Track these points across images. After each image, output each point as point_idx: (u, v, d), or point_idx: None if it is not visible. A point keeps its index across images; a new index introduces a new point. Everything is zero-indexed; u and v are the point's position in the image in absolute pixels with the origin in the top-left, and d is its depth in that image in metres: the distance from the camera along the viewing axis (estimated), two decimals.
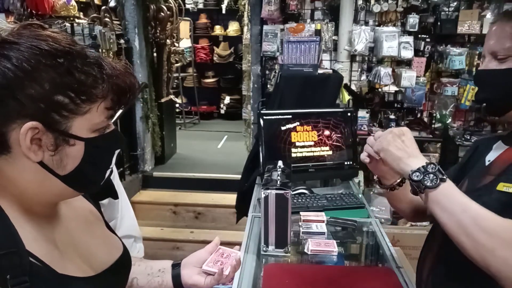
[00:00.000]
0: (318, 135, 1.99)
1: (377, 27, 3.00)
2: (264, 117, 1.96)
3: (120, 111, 0.80)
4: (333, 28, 3.07)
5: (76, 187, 0.72)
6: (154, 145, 4.37)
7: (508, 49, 0.98)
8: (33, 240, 0.68)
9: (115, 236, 0.91)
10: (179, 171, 4.39)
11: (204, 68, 7.25)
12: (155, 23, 4.38)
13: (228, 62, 7.06)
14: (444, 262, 1.07)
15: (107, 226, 0.91)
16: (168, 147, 4.71)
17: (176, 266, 0.99)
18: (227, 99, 7.13)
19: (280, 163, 1.46)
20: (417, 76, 2.98)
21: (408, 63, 3.09)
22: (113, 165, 0.76)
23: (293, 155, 1.97)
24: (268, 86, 3.33)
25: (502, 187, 0.94)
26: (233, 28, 6.97)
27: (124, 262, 0.87)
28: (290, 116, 1.98)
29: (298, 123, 1.97)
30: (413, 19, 2.99)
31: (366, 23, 3.07)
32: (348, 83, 3.08)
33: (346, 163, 2.02)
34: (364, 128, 3.08)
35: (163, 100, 4.54)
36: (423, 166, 0.93)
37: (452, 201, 0.88)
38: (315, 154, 1.99)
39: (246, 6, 4.12)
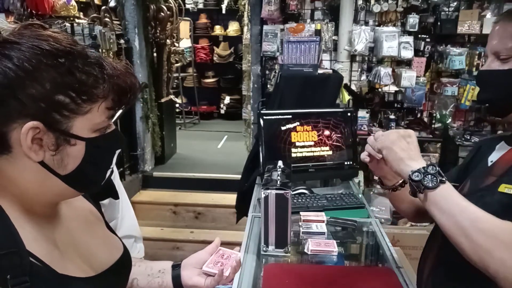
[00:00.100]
0: (318, 135, 1.99)
1: (377, 27, 3.00)
2: (264, 117, 1.96)
3: (120, 111, 0.80)
4: (333, 28, 3.07)
5: (77, 187, 0.72)
6: (154, 145, 4.37)
7: (511, 49, 0.97)
8: (33, 240, 0.68)
9: (115, 237, 0.91)
10: (179, 171, 4.39)
11: (204, 68, 7.25)
12: (155, 23, 4.38)
13: (228, 62, 7.07)
14: (444, 263, 1.07)
15: (107, 226, 0.91)
16: (168, 147, 4.71)
17: (176, 267, 0.99)
18: (227, 99, 7.13)
19: (280, 163, 1.46)
20: (417, 76, 2.98)
21: (408, 63, 3.10)
22: (113, 165, 0.76)
23: (293, 155, 1.97)
24: (268, 86, 3.33)
25: (504, 188, 0.94)
26: (233, 28, 6.97)
27: (124, 262, 0.87)
28: (290, 116, 1.98)
29: (298, 123, 1.97)
30: (413, 19, 2.99)
31: (366, 23, 3.08)
32: (348, 83, 3.08)
33: (346, 163, 2.02)
34: (364, 128, 3.08)
35: (163, 100, 4.54)
36: (423, 167, 0.93)
37: (450, 203, 0.89)
38: (315, 154, 1.99)
39: (246, 6, 4.12)
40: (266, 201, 1.31)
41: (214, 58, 7.15)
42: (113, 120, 0.74)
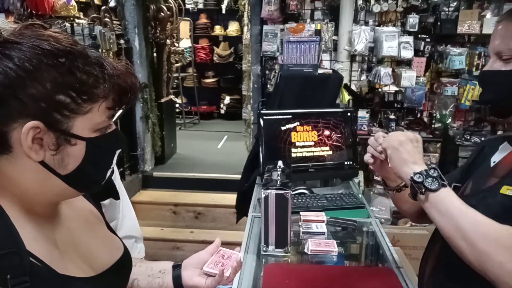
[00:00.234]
0: (318, 135, 1.99)
1: (377, 27, 3.00)
2: (264, 117, 1.96)
3: (120, 111, 0.80)
4: (333, 28, 3.07)
5: (77, 187, 0.72)
6: (154, 145, 4.37)
7: None
8: (34, 240, 0.68)
9: (115, 237, 0.91)
10: (179, 171, 4.39)
11: (204, 68, 7.25)
12: (155, 23, 4.38)
13: (228, 62, 7.07)
14: (445, 264, 1.07)
15: (107, 226, 0.91)
16: (168, 147, 4.71)
17: (176, 267, 0.98)
18: (227, 99, 7.13)
19: (280, 163, 1.46)
20: (417, 76, 2.98)
21: (408, 63, 3.10)
22: (114, 165, 0.76)
23: (293, 155, 1.97)
24: (268, 86, 3.33)
25: (506, 190, 0.93)
26: (233, 28, 6.97)
27: (124, 262, 0.87)
28: (290, 116, 1.98)
29: (298, 123, 1.98)
30: (413, 19, 2.99)
31: (366, 23, 3.08)
32: (348, 83, 3.08)
33: (346, 163, 2.02)
34: (364, 128, 3.08)
35: (163, 100, 4.54)
36: (425, 170, 0.94)
37: (451, 206, 0.89)
38: (315, 154, 1.99)
39: (246, 6, 4.12)
40: (266, 201, 1.31)
41: (214, 58, 7.15)
42: (113, 120, 0.74)
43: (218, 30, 7.13)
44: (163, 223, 3.81)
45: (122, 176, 3.80)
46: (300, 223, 1.51)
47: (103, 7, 3.81)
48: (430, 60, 3.16)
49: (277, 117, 1.98)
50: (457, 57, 2.95)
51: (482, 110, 3.15)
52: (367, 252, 1.56)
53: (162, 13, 4.39)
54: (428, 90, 3.21)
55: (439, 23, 3.05)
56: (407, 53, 2.94)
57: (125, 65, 0.72)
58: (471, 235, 0.84)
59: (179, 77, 6.57)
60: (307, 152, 1.98)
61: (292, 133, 1.97)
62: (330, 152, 2.01)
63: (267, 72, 3.39)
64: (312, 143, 1.99)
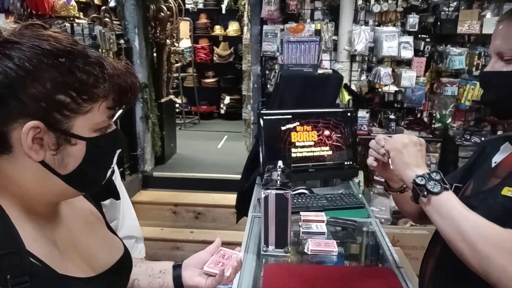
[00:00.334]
0: (318, 135, 1.99)
1: (377, 27, 3.00)
2: (264, 117, 1.96)
3: (120, 111, 0.80)
4: (333, 28, 3.07)
5: (78, 186, 0.72)
6: (154, 145, 4.37)
7: None
8: (34, 240, 0.68)
9: (116, 237, 0.91)
10: (179, 171, 4.39)
11: (204, 68, 7.25)
12: (155, 23, 4.38)
13: (228, 62, 7.07)
14: (445, 266, 1.07)
15: (108, 227, 0.91)
16: (168, 147, 4.71)
17: (177, 267, 0.98)
18: (227, 99, 7.13)
19: (280, 163, 1.46)
20: (417, 76, 2.98)
21: (408, 63, 3.10)
22: (114, 165, 0.76)
23: (293, 155, 1.97)
24: (268, 86, 3.33)
25: (507, 191, 0.93)
26: (233, 28, 6.97)
27: (125, 263, 0.87)
28: (290, 116, 1.98)
29: (298, 123, 1.98)
30: (413, 19, 3.00)
31: (366, 23, 3.08)
32: (348, 83, 3.08)
33: (346, 163, 2.02)
34: (364, 128, 3.08)
35: (163, 100, 4.54)
36: (428, 173, 0.94)
37: (452, 209, 0.89)
38: (315, 154, 1.99)
39: (246, 6, 4.12)
40: (266, 201, 1.31)
41: (214, 58, 7.15)
42: (113, 120, 0.74)
43: (218, 30, 7.13)
44: (163, 223, 3.81)
45: (122, 176, 3.80)
46: (300, 223, 1.51)
47: (103, 7, 3.81)
48: (430, 60, 3.16)
49: (277, 117, 1.98)
50: (457, 57, 2.95)
51: (482, 110, 3.15)
52: (367, 252, 1.56)
53: (162, 13, 4.39)
54: (428, 90, 3.21)
55: (439, 23, 3.05)
56: (407, 53, 2.94)
57: (125, 65, 0.72)
58: (472, 238, 0.84)
59: (179, 77, 6.57)
60: (307, 152, 1.98)
61: (292, 133, 1.97)
62: (330, 152, 2.01)
63: (267, 72, 3.39)
64: (312, 143, 1.99)
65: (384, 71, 2.95)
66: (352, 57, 3.09)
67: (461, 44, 3.08)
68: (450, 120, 3.16)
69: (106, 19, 3.74)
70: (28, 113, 0.63)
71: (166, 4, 4.50)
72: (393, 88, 3.16)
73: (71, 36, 0.69)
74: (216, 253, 0.99)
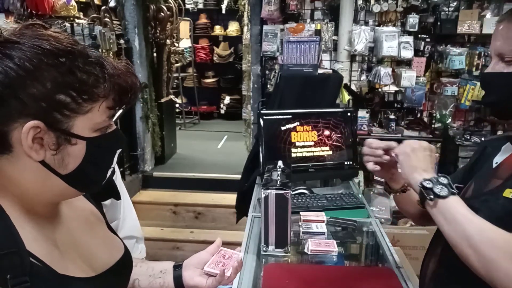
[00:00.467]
0: (318, 135, 1.99)
1: (377, 27, 3.00)
2: (264, 117, 1.96)
3: (120, 111, 0.80)
4: (333, 28, 3.07)
5: (78, 186, 0.72)
6: (154, 145, 4.37)
7: None
8: (34, 240, 0.68)
9: (116, 237, 0.91)
10: (179, 171, 4.39)
11: (204, 68, 7.25)
12: (155, 23, 4.38)
13: (228, 62, 7.07)
14: (446, 267, 1.07)
15: (108, 227, 0.91)
16: (168, 147, 4.71)
17: (177, 267, 0.98)
18: (227, 99, 7.13)
19: (280, 163, 1.46)
20: (417, 76, 2.98)
21: (408, 63, 3.10)
22: (114, 165, 0.76)
23: (293, 155, 1.97)
24: (268, 86, 3.33)
25: (508, 193, 0.93)
26: (233, 28, 6.97)
27: (125, 263, 0.87)
28: (290, 116, 1.98)
29: (298, 123, 1.98)
30: (413, 19, 3.00)
31: (366, 23, 3.08)
32: (348, 83, 3.08)
33: (346, 163, 2.02)
34: (364, 128, 3.08)
35: (163, 100, 4.54)
36: (435, 177, 0.94)
37: (457, 213, 0.89)
38: (315, 154, 1.99)
39: (246, 6, 4.12)
40: (266, 201, 1.31)
41: (214, 58, 7.15)
42: (113, 120, 0.74)
43: (218, 30, 7.13)
44: (163, 223, 3.81)
45: (122, 176, 3.80)
46: (300, 223, 1.51)
47: (103, 7, 3.81)
48: (430, 60, 3.16)
49: (277, 117, 1.98)
50: (457, 57, 2.95)
51: (482, 110, 3.15)
52: (367, 252, 1.56)
53: (162, 13, 4.39)
54: (428, 90, 3.21)
55: (439, 23, 3.05)
56: (407, 53, 2.94)
57: (125, 65, 0.72)
58: (477, 242, 0.84)
59: (179, 77, 6.57)
60: (307, 152, 1.98)
61: (292, 133, 1.97)
62: (330, 152, 2.01)
63: (267, 72, 3.39)
64: (312, 143, 1.99)
65: (384, 71, 2.95)
66: (352, 57, 3.09)
67: (461, 44, 3.08)
68: (450, 120, 3.16)
69: (106, 19, 3.74)
70: (28, 113, 0.63)
71: (166, 4, 4.50)
72: (393, 88, 3.16)
73: (71, 36, 0.69)
74: (217, 253, 0.99)
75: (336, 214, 1.63)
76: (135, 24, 3.89)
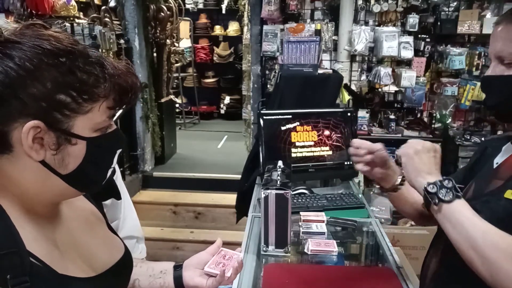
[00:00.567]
0: (318, 135, 1.99)
1: (377, 27, 3.01)
2: (264, 117, 1.96)
3: (121, 111, 0.80)
4: (333, 28, 3.07)
5: (78, 186, 0.72)
6: (154, 145, 4.37)
7: None
8: (34, 240, 0.68)
9: (116, 237, 0.91)
10: (179, 171, 4.39)
11: (204, 68, 7.25)
12: (155, 23, 4.38)
13: (228, 62, 7.06)
14: (447, 266, 1.06)
15: (108, 227, 0.91)
16: (168, 147, 4.71)
17: (177, 268, 0.98)
18: (227, 99, 7.13)
19: (280, 163, 1.46)
20: (417, 76, 2.98)
21: (408, 63, 3.10)
22: (114, 165, 0.76)
23: (293, 155, 1.97)
24: (268, 86, 3.33)
25: (510, 194, 0.92)
26: (233, 28, 6.97)
27: (125, 263, 0.87)
28: (290, 116, 1.98)
29: (298, 123, 1.98)
30: (413, 19, 3.00)
31: (366, 23, 3.08)
32: (348, 83, 3.08)
33: (346, 163, 2.02)
34: (364, 128, 3.09)
35: (163, 100, 4.54)
36: (439, 181, 0.92)
37: (462, 217, 0.88)
38: (315, 154, 1.99)
39: (246, 6, 4.12)
40: (266, 201, 1.31)
41: (214, 58, 7.15)
42: (113, 120, 0.74)
43: (218, 30, 7.13)
44: (163, 223, 3.81)
45: (122, 176, 3.78)
46: (300, 223, 1.51)
47: (103, 7, 3.81)
48: (430, 60, 3.16)
49: (277, 117, 1.98)
50: (457, 57, 2.95)
51: (482, 110, 3.15)
52: (367, 252, 1.56)
53: (162, 13, 4.39)
54: (428, 90, 3.21)
55: (439, 23, 3.05)
56: (407, 53, 2.94)
57: (125, 65, 0.72)
58: (480, 245, 0.83)
59: (179, 77, 6.56)
60: (307, 152, 1.98)
61: (292, 133, 1.97)
62: (330, 152, 2.01)
63: (267, 72, 3.39)
64: (312, 143, 1.99)
65: (384, 71, 2.96)
66: (352, 57, 3.09)
67: (461, 44, 3.08)
68: (450, 120, 3.16)
69: (106, 19, 3.74)
70: (29, 113, 0.63)
71: (166, 4, 4.50)
72: (393, 88, 3.16)
73: (71, 36, 0.69)
74: (217, 254, 0.99)
75: (336, 214, 1.63)
76: (135, 24, 3.89)
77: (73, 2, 3.58)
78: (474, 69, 2.95)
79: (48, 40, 0.64)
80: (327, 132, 2.00)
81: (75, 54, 0.65)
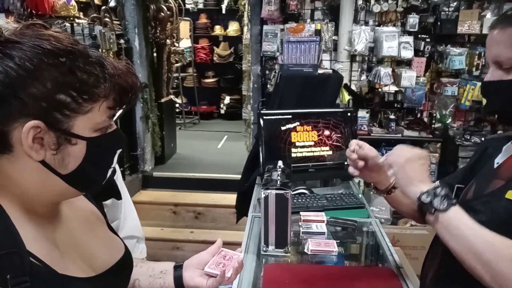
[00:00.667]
0: (318, 135, 1.99)
1: (377, 27, 3.01)
2: (264, 117, 1.96)
3: (121, 111, 0.80)
4: (333, 28, 3.07)
5: (78, 186, 0.72)
6: (154, 145, 4.37)
7: None
8: (34, 240, 0.68)
9: (116, 237, 0.91)
10: (179, 171, 4.39)
11: (204, 68, 7.25)
12: (155, 23, 4.38)
13: (228, 62, 7.06)
14: (447, 267, 1.06)
15: (109, 227, 0.91)
16: (168, 147, 4.71)
17: (178, 268, 0.98)
18: (227, 99, 7.13)
19: (280, 163, 1.46)
20: (417, 76, 2.98)
21: (408, 63, 3.10)
22: (115, 165, 0.76)
23: (293, 155, 1.97)
24: (268, 86, 3.33)
25: (511, 195, 0.91)
26: (233, 28, 6.97)
27: (125, 263, 0.87)
28: (290, 116, 1.98)
29: (298, 123, 1.98)
30: (413, 19, 3.00)
31: (366, 23, 3.08)
32: (348, 83, 3.08)
33: (346, 163, 1.99)
34: (364, 128, 3.09)
35: (163, 100, 4.54)
36: (433, 189, 0.91)
37: (462, 225, 0.87)
38: (315, 154, 1.99)
39: (246, 6, 4.12)
40: (266, 201, 1.31)
41: (214, 58, 7.15)
42: (113, 120, 0.74)
43: (218, 30, 7.12)
44: (163, 223, 3.81)
45: (122, 176, 3.79)
46: (300, 223, 1.51)
47: (103, 7, 3.81)
48: (430, 60, 3.16)
49: (277, 117, 1.98)
50: (457, 57, 2.95)
51: (482, 110, 3.15)
52: (367, 252, 1.56)
53: (162, 13, 4.39)
54: (428, 90, 3.21)
55: (439, 23, 3.05)
56: (407, 53, 2.94)
57: (126, 65, 0.72)
58: (488, 258, 0.82)
59: (179, 77, 6.56)
60: (307, 152, 1.98)
61: (292, 133, 1.97)
62: (330, 152, 2.01)
63: (267, 72, 3.39)
64: (312, 143, 1.99)
65: (384, 71, 2.96)
66: (352, 57, 3.09)
67: (461, 44, 3.08)
68: (450, 120, 3.16)
69: (106, 19, 3.74)
70: (29, 113, 0.63)
71: (166, 4, 4.50)
72: (393, 88, 3.17)
73: (72, 36, 0.69)
74: (217, 254, 0.99)
75: (336, 214, 1.63)
76: (135, 24, 3.89)
77: (73, 2, 3.58)
78: (474, 69, 2.95)
79: (48, 40, 0.64)
80: (327, 132, 2.00)
81: (75, 54, 0.65)
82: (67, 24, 3.11)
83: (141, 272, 0.97)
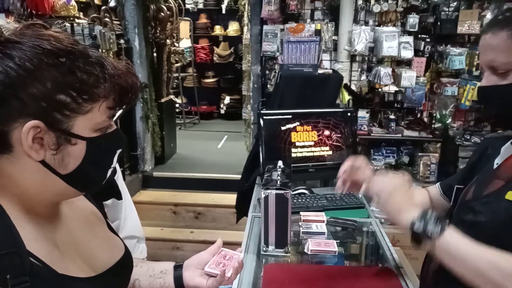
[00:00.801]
0: (318, 135, 1.99)
1: (377, 27, 3.01)
2: (264, 117, 1.96)
3: (121, 111, 0.80)
4: (333, 28, 3.07)
5: (78, 186, 0.72)
6: (154, 145, 4.37)
7: (508, 64, 0.91)
8: (34, 240, 0.68)
9: (116, 237, 0.91)
10: (179, 171, 4.39)
11: (204, 68, 7.25)
12: (155, 23, 4.38)
13: (228, 62, 7.06)
14: (446, 269, 1.06)
15: (109, 227, 0.91)
16: (168, 147, 4.71)
17: (178, 268, 0.98)
18: (227, 99, 7.13)
19: (280, 163, 1.46)
20: (417, 76, 2.99)
21: (408, 63, 3.10)
22: (115, 165, 0.76)
23: (293, 155, 1.97)
24: (268, 86, 3.34)
25: (511, 196, 0.91)
26: (233, 28, 6.97)
27: (125, 263, 0.87)
28: (290, 116, 1.98)
29: (298, 123, 1.98)
30: (413, 19, 3.00)
31: (366, 23, 3.08)
32: (348, 83, 3.08)
33: None
34: (364, 128, 3.09)
35: (163, 100, 4.54)
36: (422, 215, 0.91)
37: (461, 248, 0.87)
38: (315, 154, 1.99)
39: (246, 6, 4.12)
40: (266, 201, 1.31)
41: (214, 58, 7.14)
42: (113, 120, 0.74)
43: (218, 30, 7.12)
44: (163, 223, 3.81)
45: (122, 176, 3.80)
46: (300, 223, 1.51)
47: (103, 7, 3.81)
48: (430, 60, 3.16)
49: (277, 117, 1.98)
50: (457, 57, 2.95)
51: (481, 110, 3.15)
52: (367, 252, 1.56)
53: (162, 13, 4.39)
54: (428, 90, 3.21)
55: (439, 23, 3.05)
56: (407, 53, 2.94)
57: (126, 65, 0.72)
58: (493, 277, 0.82)
59: (179, 77, 6.56)
60: (307, 152, 1.98)
61: (292, 133, 1.97)
62: (330, 152, 2.01)
63: (267, 72, 3.39)
64: (312, 143, 1.99)
65: (384, 71, 2.96)
66: (352, 57, 3.10)
67: (461, 44, 3.08)
68: (450, 120, 3.17)
69: (106, 19, 3.74)
70: (29, 113, 0.63)
71: (166, 4, 4.50)
72: (393, 88, 3.17)
73: (71, 36, 0.69)
74: (217, 254, 0.99)
75: (336, 214, 1.63)
76: (135, 24, 3.89)
77: (73, 2, 3.58)
78: (474, 69, 2.95)
79: (48, 40, 0.64)
80: (327, 132, 2.00)
81: (75, 54, 0.65)
82: (67, 24, 3.11)
83: (141, 272, 0.97)
